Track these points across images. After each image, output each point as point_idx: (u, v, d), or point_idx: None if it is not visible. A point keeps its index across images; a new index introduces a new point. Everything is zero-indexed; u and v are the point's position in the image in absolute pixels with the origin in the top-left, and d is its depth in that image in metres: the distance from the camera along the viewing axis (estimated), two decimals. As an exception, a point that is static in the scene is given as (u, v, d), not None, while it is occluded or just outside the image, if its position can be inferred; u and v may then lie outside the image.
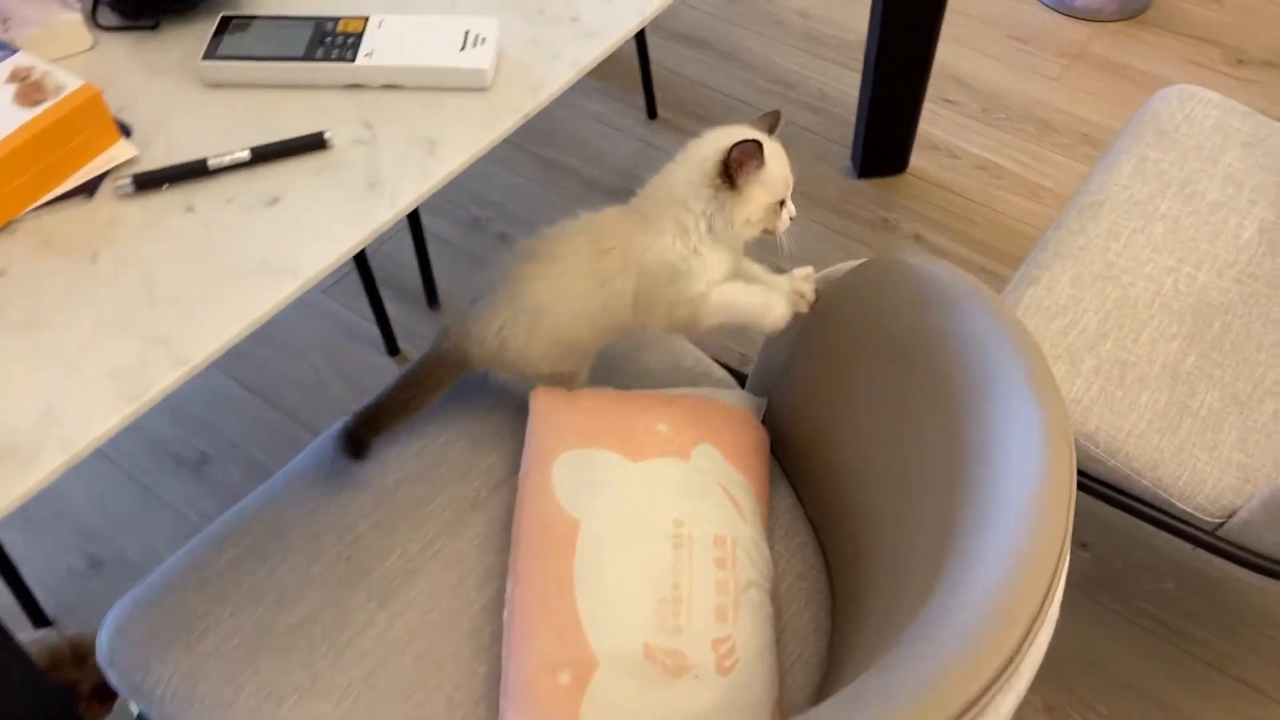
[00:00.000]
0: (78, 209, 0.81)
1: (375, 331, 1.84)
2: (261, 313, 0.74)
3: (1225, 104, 1.43)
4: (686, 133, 2.21)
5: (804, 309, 1.00)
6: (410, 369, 1.06)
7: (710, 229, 0.97)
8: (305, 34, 0.91)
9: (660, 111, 2.23)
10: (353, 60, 0.89)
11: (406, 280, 1.94)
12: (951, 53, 2.33)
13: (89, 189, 0.82)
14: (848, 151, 2.14)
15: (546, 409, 1.03)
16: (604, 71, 2.30)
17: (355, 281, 1.93)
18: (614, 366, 1.16)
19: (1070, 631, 1.48)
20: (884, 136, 2.03)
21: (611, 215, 1.03)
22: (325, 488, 1.06)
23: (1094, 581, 1.54)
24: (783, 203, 1.00)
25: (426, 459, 1.08)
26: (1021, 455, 0.73)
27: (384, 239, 2.00)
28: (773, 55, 2.34)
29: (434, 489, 1.06)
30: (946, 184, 2.09)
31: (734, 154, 0.95)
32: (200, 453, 1.71)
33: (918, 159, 2.13)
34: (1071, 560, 1.55)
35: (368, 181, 0.83)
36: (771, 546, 1.04)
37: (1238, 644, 1.46)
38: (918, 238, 1.99)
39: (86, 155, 0.82)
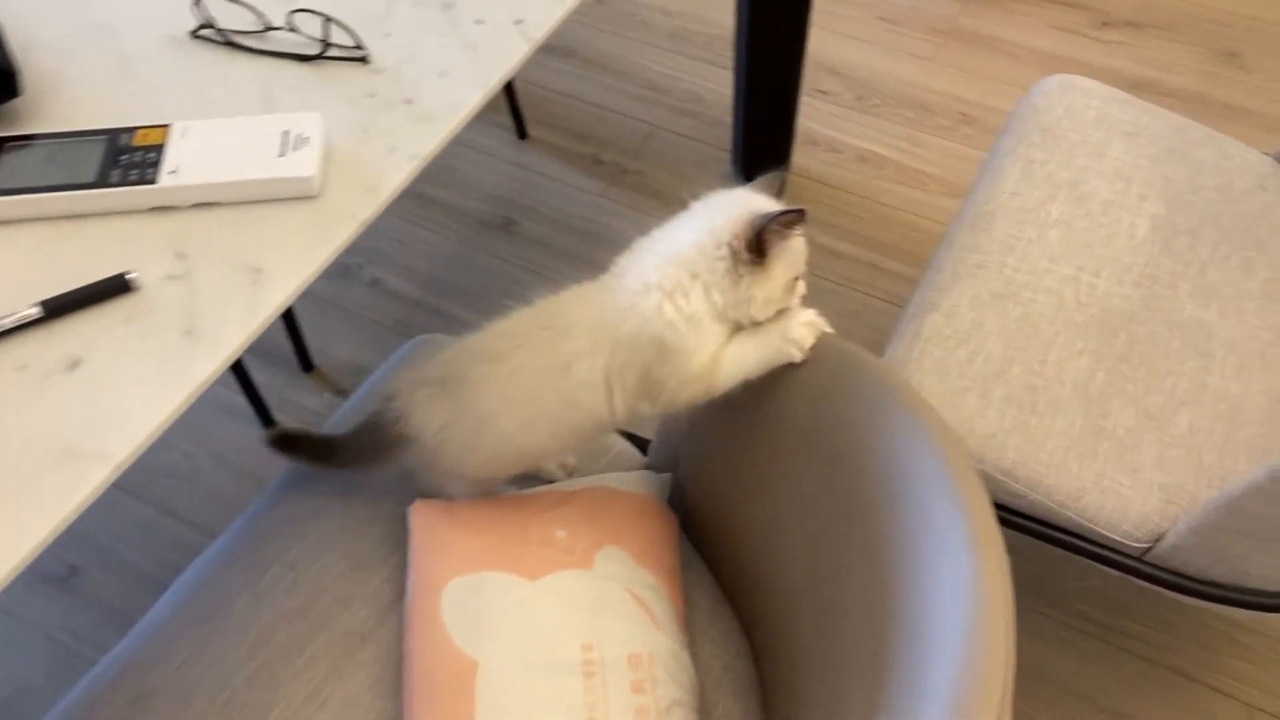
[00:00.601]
0: None
1: (250, 409, 1.71)
2: (66, 513, 0.63)
3: (1104, 92, 1.39)
4: (560, 151, 2.07)
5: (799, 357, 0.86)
6: (357, 430, 0.93)
7: (716, 305, 0.83)
8: (97, 153, 0.79)
9: (531, 131, 2.12)
10: (154, 181, 0.77)
11: (275, 343, 1.81)
12: (821, 41, 2.27)
13: None
14: (728, 155, 2.07)
15: (428, 528, 0.93)
16: (466, 92, 2.18)
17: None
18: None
19: (1004, 647, 1.44)
20: (763, 136, 1.96)
21: (570, 293, 0.91)
22: (195, 634, 0.95)
23: (1023, 589, 1.51)
24: (798, 277, 0.87)
25: (303, 591, 0.97)
26: (951, 571, 0.66)
27: (247, 301, 1.86)
28: (641, 59, 2.25)
29: (315, 626, 0.95)
30: (830, 180, 2.03)
31: (775, 225, 0.80)
32: (68, 566, 1.56)
33: (799, 156, 2.07)
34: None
35: (184, 327, 0.72)
36: (692, 639, 0.97)
37: (1168, 632, 1.45)
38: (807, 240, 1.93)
39: None
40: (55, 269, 0.75)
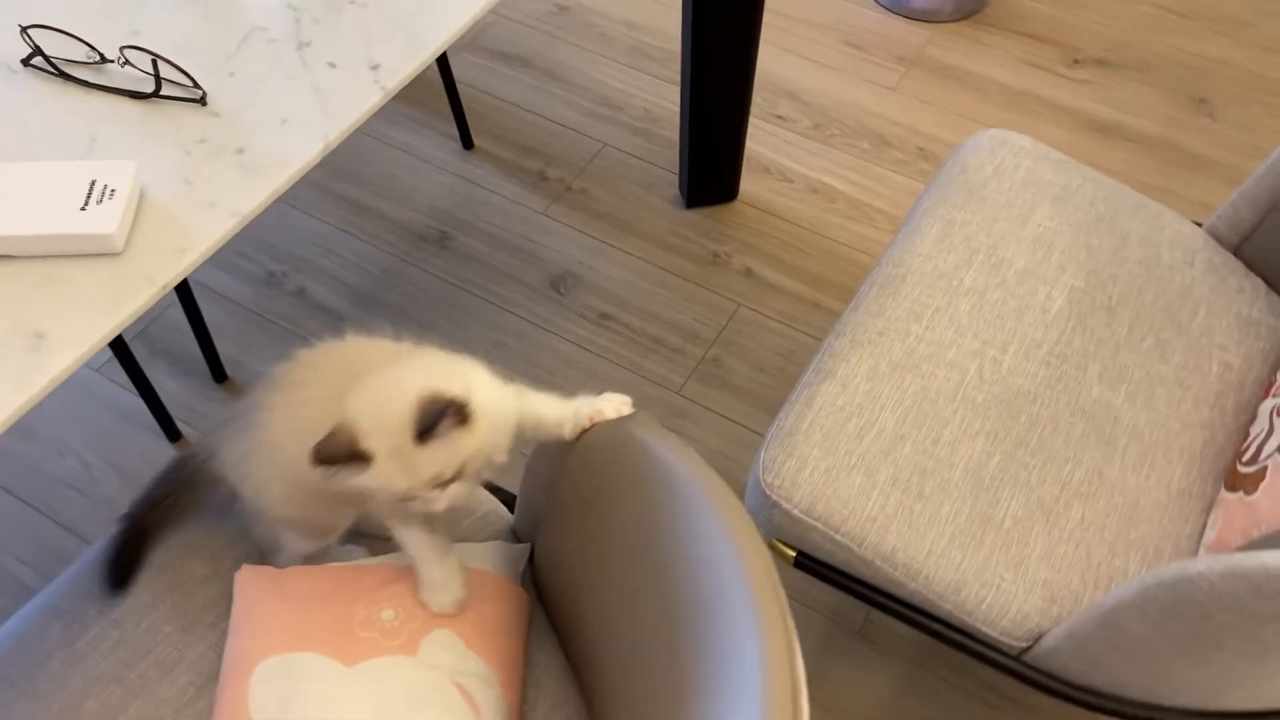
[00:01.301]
0: None
1: (152, 416, 1.66)
2: None
3: (1038, 151, 1.33)
4: (505, 164, 2.02)
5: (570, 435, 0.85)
6: (162, 477, 0.90)
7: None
8: (-117, 194, 0.74)
9: (477, 140, 2.07)
10: (-60, 230, 0.72)
11: (187, 351, 1.75)
12: (782, 63, 2.21)
13: None
14: (675, 179, 2.01)
15: (250, 598, 0.88)
16: (413, 96, 2.13)
17: (139, 351, 1.74)
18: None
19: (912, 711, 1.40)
20: (710, 160, 1.90)
21: (380, 340, 0.87)
22: (2, 695, 0.90)
23: (929, 652, 1.46)
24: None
25: (124, 653, 0.92)
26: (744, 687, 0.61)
27: (165, 303, 1.81)
28: (598, 72, 2.19)
29: (131, 692, 0.90)
30: (778, 211, 1.97)
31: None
32: (-50, 573, 1.52)
33: (749, 183, 2.01)
34: (897, 630, 1.47)
35: (-55, 398, 0.67)
36: (531, 724, 0.92)
37: (1079, 714, 1.40)
38: (749, 272, 1.88)
39: None
40: None
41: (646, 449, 0.75)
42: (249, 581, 0.89)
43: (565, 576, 0.92)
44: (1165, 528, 1.05)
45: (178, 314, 1.80)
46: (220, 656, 0.92)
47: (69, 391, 1.70)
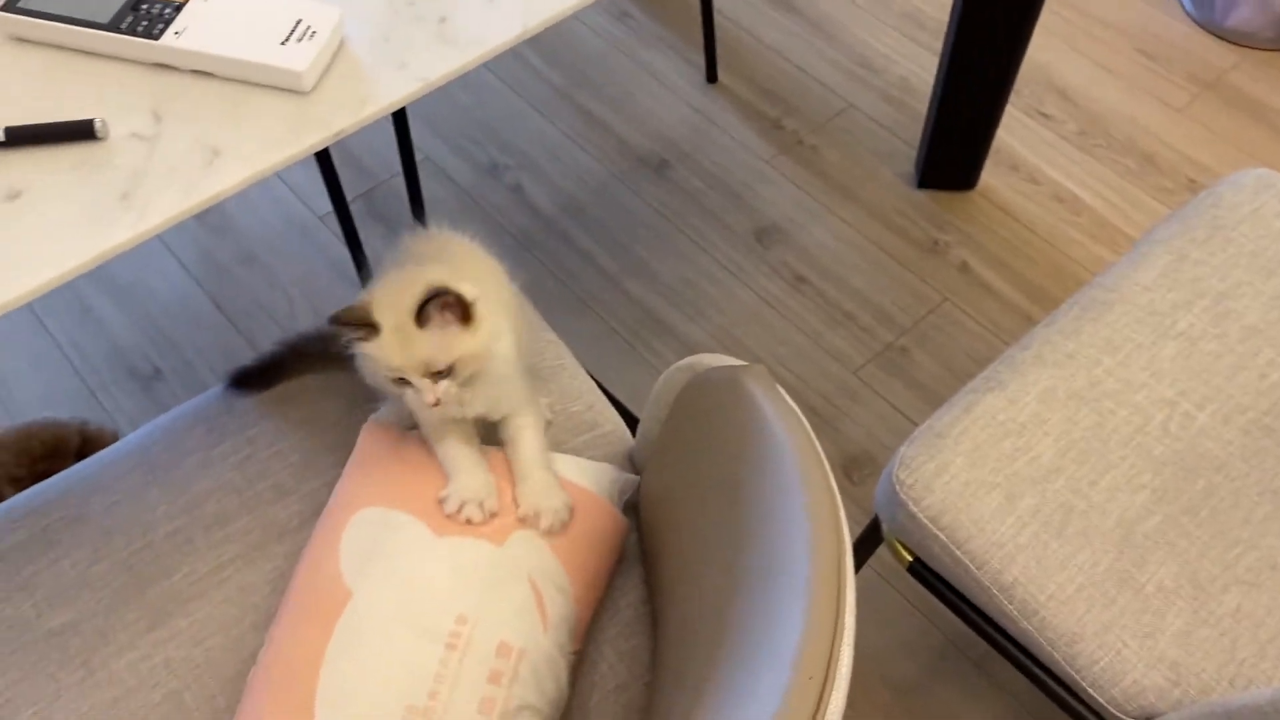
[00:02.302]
0: None
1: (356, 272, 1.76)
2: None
3: (1311, 202, 1.18)
4: (744, 105, 1.99)
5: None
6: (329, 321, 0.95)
7: None
8: (120, -3, 0.79)
9: (721, 75, 2.04)
10: (158, 38, 0.77)
11: (404, 220, 1.84)
12: (1060, 57, 2.05)
13: None
14: (914, 156, 1.92)
15: (370, 450, 0.92)
16: (669, 19, 2.12)
17: (359, 210, 1.84)
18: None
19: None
20: (953, 144, 1.80)
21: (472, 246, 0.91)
22: (140, 477, 0.98)
23: (1043, 702, 1.37)
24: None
25: (250, 470, 0.98)
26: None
27: (393, 171, 1.90)
28: (863, 31, 2.11)
29: (245, 506, 0.96)
30: (1015, 211, 1.85)
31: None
32: (154, 368, 1.67)
33: (990, 176, 1.90)
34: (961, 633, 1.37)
35: (122, 190, 0.72)
36: (596, 650, 0.92)
37: None
38: (965, 267, 1.78)
39: None
40: (54, 97, 0.76)
41: (753, 403, 0.72)
42: (373, 434, 0.93)
43: (660, 512, 0.91)
44: (1334, 645, 0.92)
45: (401, 184, 1.89)
46: (327, 496, 0.96)
47: (292, 231, 1.82)
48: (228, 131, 0.75)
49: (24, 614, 0.91)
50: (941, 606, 1.45)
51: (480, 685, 0.81)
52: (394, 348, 0.79)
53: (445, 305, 0.78)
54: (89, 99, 0.77)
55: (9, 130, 0.73)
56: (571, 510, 0.88)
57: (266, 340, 1.70)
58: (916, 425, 1.61)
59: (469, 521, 0.85)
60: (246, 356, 1.67)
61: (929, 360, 1.68)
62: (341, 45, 0.80)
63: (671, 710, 0.72)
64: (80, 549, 0.94)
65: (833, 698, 0.58)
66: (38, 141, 0.74)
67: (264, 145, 0.74)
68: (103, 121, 0.74)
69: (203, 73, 0.78)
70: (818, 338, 1.70)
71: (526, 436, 0.89)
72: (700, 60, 2.06)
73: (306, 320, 1.72)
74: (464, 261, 0.87)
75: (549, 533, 0.87)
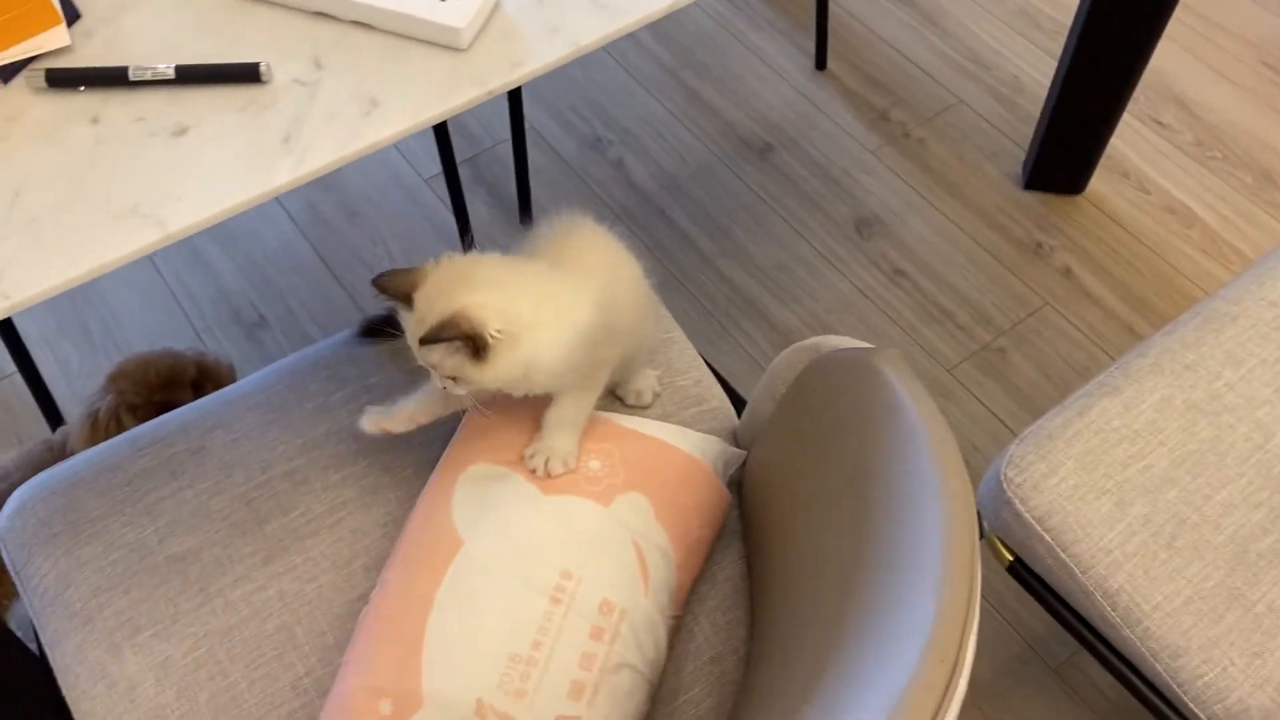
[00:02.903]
0: (-13, 95, 0.75)
1: (457, 232, 1.78)
2: (102, 263, 0.67)
3: None
4: (851, 94, 1.98)
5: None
6: None
7: None
8: (289, -56, 0.81)
9: (830, 63, 2.03)
10: (322, -13, 0.79)
11: (507, 188, 1.86)
12: (1181, 66, 2.00)
13: (6, 73, 0.76)
14: (1023, 156, 1.89)
15: (484, 407, 0.93)
16: (782, 3, 2.11)
17: (463, 175, 1.87)
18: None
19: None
20: (1064, 146, 1.77)
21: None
22: (261, 416, 1.01)
23: (1121, 714, 1.35)
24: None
25: (367, 418, 1.01)
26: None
27: (498, 138, 1.92)
28: (977, 26, 2.08)
29: (361, 452, 0.99)
30: (1123, 220, 1.82)
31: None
32: (259, 315, 1.71)
33: (1100, 182, 1.86)
34: (1097, 682, 1.36)
35: (284, 133, 0.74)
36: (692, 618, 0.93)
37: None
38: (1068, 273, 1.75)
39: (17, 35, 0.76)
40: (220, 39, 0.79)
41: (887, 386, 0.72)
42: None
43: (769, 490, 0.91)
44: None
45: (506, 151, 1.91)
46: (441, 448, 0.98)
47: (398, 191, 1.85)
48: (385, 83, 0.77)
49: (147, 538, 0.94)
50: (1023, 611, 1.43)
51: (582, 640, 0.82)
52: (412, 331, 0.80)
53: (452, 345, 0.77)
54: (254, 44, 0.79)
55: (179, 69, 0.75)
56: (577, 458, 0.88)
57: (367, 294, 1.73)
58: (1009, 428, 1.59)
59: (549, 474, 0.87)
60: (347, 310, 1.71)
61: (1025, 364, 1.65)
62: (497, 5, 0.81)
63: (786, 683, 0.72)
64: (202, 480, 0.97)
65: (960, 682, 0.58)
66: (205, 81, 0.76)
67: (420, 99, 0.76)
68: (267, 65, 0.76)
69: (362, 24, 0.80)
70: (913, 332, 1.69)
71: (565, 402, 0.88)
72: (810, 46, 2.04)
73: (406, 279, 1.75)
74: (583, 255, 0.86)
75: (551, 474, 0.87)
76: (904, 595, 0.62)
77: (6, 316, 0.65)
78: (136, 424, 1.25)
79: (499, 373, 0.79)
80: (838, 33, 2.06)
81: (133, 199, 0.70)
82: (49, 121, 0.74)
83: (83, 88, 0.76)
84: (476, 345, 0.77)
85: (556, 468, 0.87)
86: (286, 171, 0.72)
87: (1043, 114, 1.76)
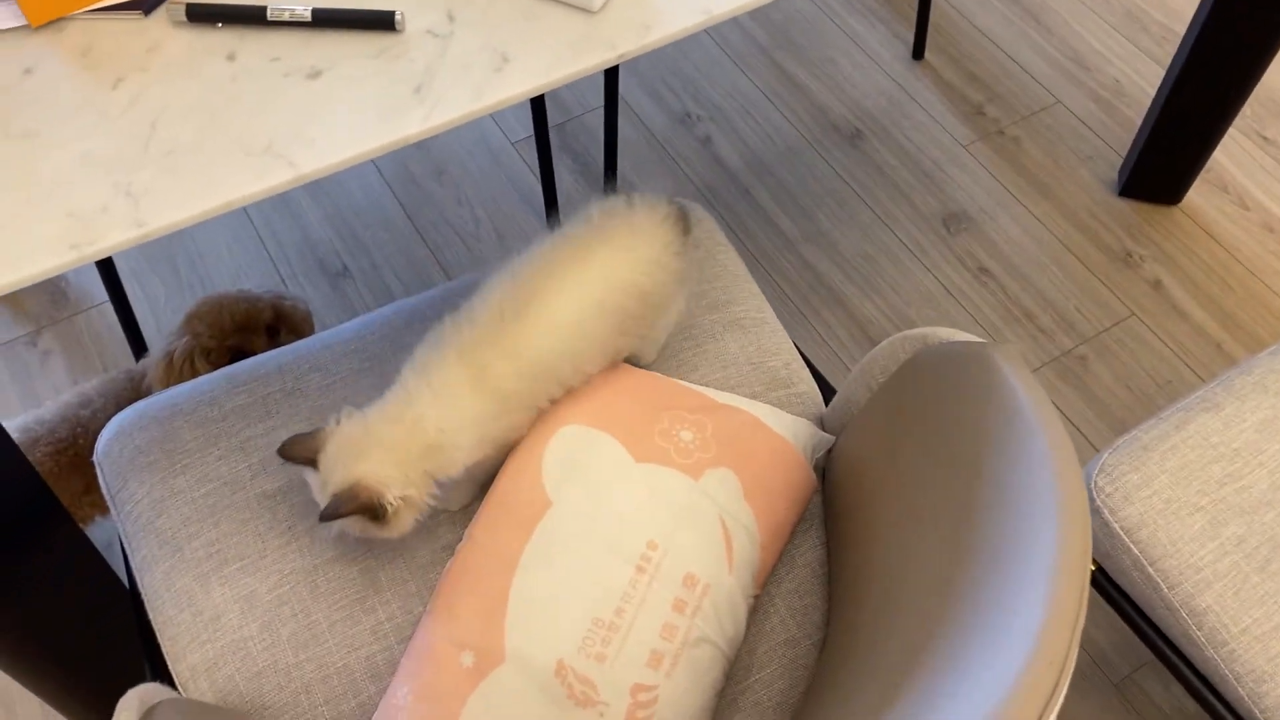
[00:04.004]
0: (128, 24, 0.77)
1: (544, 201, 1.78)
2: (235, 199, 0.68)
3: None
4: (946, 86, 1.95)
5: None
6: None
7: None
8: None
9: (927, 54, 1.99)
10: (460, -61, 0.79)
11: (593, 157, 1.86)
12: (1294, 82, 1.94)
13: (147, 5, 0.77)
14: (1119, 161, 1.85)
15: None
16: (883, -8, 2.08)
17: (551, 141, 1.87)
18: (692, 339, 1.04)
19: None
20: (1165, 156, 1.73)
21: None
22: (356, 363, 1.02)
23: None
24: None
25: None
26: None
27: (588, 106, 1.92)
28: (1082, 26, 2.03)
29: (452, 406, 0.99)
30: (1219, 234, 1.77)
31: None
32: (343, 266, 1.73)
33: (1197, 195, 1.82)
34: (1157, 701, 1.34)
35: (416, 83, 0.74)
36: (769, 599, 0.93)
37: None
38: (1158, 285, 1.72)
39: (160, -31, 0.77)
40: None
41: (1004, 382, 0.71)
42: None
43: (857, 479, 0.91)
44: None
45: (594, 120, 1.90)
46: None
47: (485, 154, 1.86)
48: (516, 40, 0.77)
49: (240, 474, 0.96)
50: (1088, 624, 1.41)
51: (665, 611, 0.82)
52: (316, 494, 0.83)
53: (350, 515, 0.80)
54: (392, -9, 0.79)
55: (316, 12, 0.76)
56: None
57: (450, 253, 1.74)
58: (1085, 437, 1.57)
59: None
60: (430, 268, 1.73)
61: (1107, 374, 1.62)
62: (632, -31, 0.81)
63: (870, 673, 0.72)
64: (295, 422, 0.98)
65: (1064, 687, 0.58)
66: (340, 26, 0.76)
67: (550, 58, 0.76)
68: (401, 15, 0.77)
69: (497, -21, 0.80)
70: (995, 332, 1.67)
71: None
72: (908, 35, 2.01)
73: (489, 241, 1.76)
74: (625, 253, 0.85)
75: None
76: (1011, 595, 0.61)
77: (140, 243, 0.67)
78: (210, 367, 1.28)
79: (407, 527, 0.82)
80: (937, 23, 2.03)
81: (266, 138, 0.71)
82: (187, 55, 0.75)
83: (220, 24, 0.76)
84: (376, 514, 0.80)
85: None
86: (417, 122, 0.72)
87: (1145, 120, 1.72)
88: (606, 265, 0.84)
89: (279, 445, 0.82)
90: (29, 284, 0.65)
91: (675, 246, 0.88)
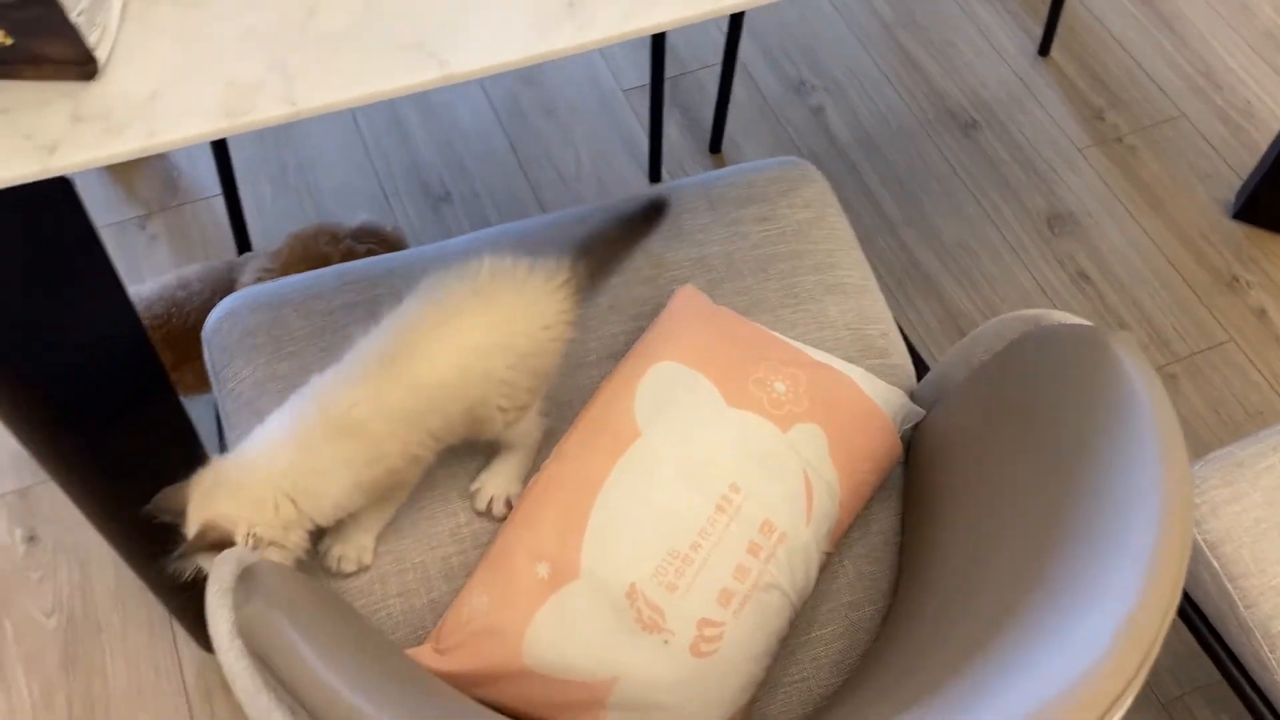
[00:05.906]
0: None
1: (647, 152, 1.79)
2: (387, 89, 0.70)
3: None
4: (1069, 86, 1.92)
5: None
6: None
7: None
8: None
9: (1054, 51, 1.95)
10: None
11: (702, 114, 1.85)
12: None
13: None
14: (1238, 185, 1.80)
15: (680, 310, 0.95)
16: (1017, -17, 2.04)
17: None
18: (793, 297, 1.04)
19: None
20: (1288, 185, 1.68)
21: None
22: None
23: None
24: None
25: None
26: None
27: (704, 61, 1.91)
28: (1218, 42, 1.98)
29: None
30: (1331, 270, 1.72)
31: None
32: (446, 190, 1.75)
33: (1316, 227, 1.76)
34: (1212, 736, 1.32)
35: (570, -2, 0.75)
36: (840, 563, 0.93)
37: None
38: (1262, 314, 1.67)
39: None
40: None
41: (1119, 368, 0.70)
42: (686, 297, 0.96)
43: (946, 454, 0.91)
44: None
45: (709, 77, 1.90)
46: (627, 346, 1.00)
47: (595, 97, 1.87)
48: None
49: (339, 368, 0.98)
50: (1147, 640, 1.40)
51: (739, 552, 0.83)
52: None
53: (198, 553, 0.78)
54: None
55: (481, -83, 0.77)
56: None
57: (550, 192, 1.76)
58: (1168, 456, 1.54)
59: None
60: (529, 202, 1.74)
61: (1196, 396, 1.59)
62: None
63: (943, 643, 0.72)
64: (398, 325, 1.00)
65: (1145, 671, 0.58)
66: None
67: (627, 9, 0.75)
68: (564, -71, 0.77)
69: (658, -93, 0.80)
70: (1087, 340, 1.64)
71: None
72: (1036, 29, 1.97)
73: (589, 185, 1.77)
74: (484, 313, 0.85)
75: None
76: (1105, 575, 0.61)
77: (291, 120, 0.68)
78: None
79: (299, 543, 0.80)
80: (1067, 21, 1.99)
81: (419, 34, 0.73)
82: (351, -54, 0.77)
83: (386, -80, 0.78)
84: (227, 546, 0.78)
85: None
86: (568, 36, 0.73)
87: (1272, 145, 1.67)
88: (478, 331, 0.83)
89: (150, 502, 0.82)
90: (188, 145, 0.67)
91: (569, 315, 0.87)
